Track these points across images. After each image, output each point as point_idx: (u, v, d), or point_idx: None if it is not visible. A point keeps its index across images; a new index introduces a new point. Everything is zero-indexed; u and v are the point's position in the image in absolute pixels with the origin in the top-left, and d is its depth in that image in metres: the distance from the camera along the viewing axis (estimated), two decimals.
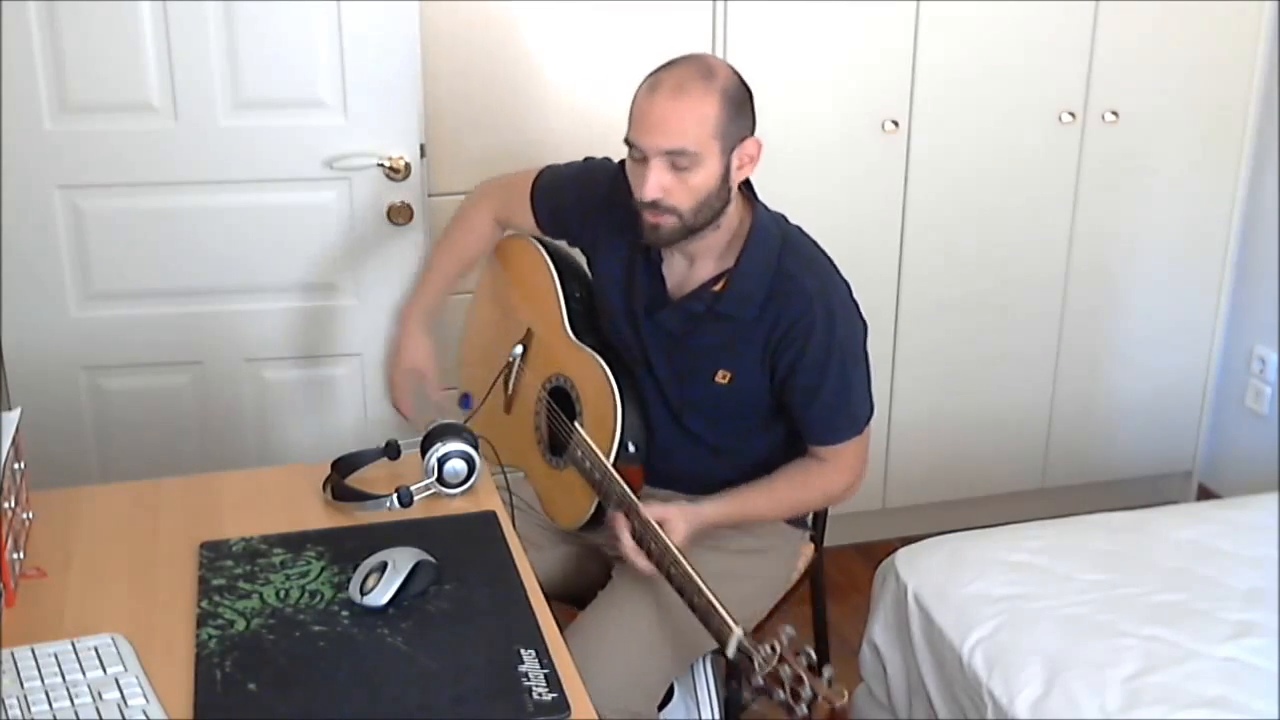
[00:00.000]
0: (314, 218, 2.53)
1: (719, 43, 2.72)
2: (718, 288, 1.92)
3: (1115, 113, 3.02)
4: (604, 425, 1.94)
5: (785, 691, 1.54)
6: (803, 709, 1.52)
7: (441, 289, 2.30)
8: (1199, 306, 3.28)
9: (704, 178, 1.80)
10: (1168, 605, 2.05)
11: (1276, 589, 2.09)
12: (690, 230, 1.85)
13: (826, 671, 1.52)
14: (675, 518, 1.84)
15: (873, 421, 2.00)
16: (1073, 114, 3.00)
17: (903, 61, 2.85)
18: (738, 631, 1.64)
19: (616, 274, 2.03)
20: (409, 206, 2.53)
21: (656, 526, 1.80)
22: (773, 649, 1.56)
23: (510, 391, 2.18)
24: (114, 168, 2.43)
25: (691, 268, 1.96)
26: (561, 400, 2.06)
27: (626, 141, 1.84)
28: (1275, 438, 3.21)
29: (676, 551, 1.77)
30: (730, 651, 1.65)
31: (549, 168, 2.19)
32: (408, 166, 2.50)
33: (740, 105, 1.83)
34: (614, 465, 1.90)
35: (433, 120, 2.59)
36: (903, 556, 2.23)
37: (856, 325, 1.95)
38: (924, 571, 2.16)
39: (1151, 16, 2.97)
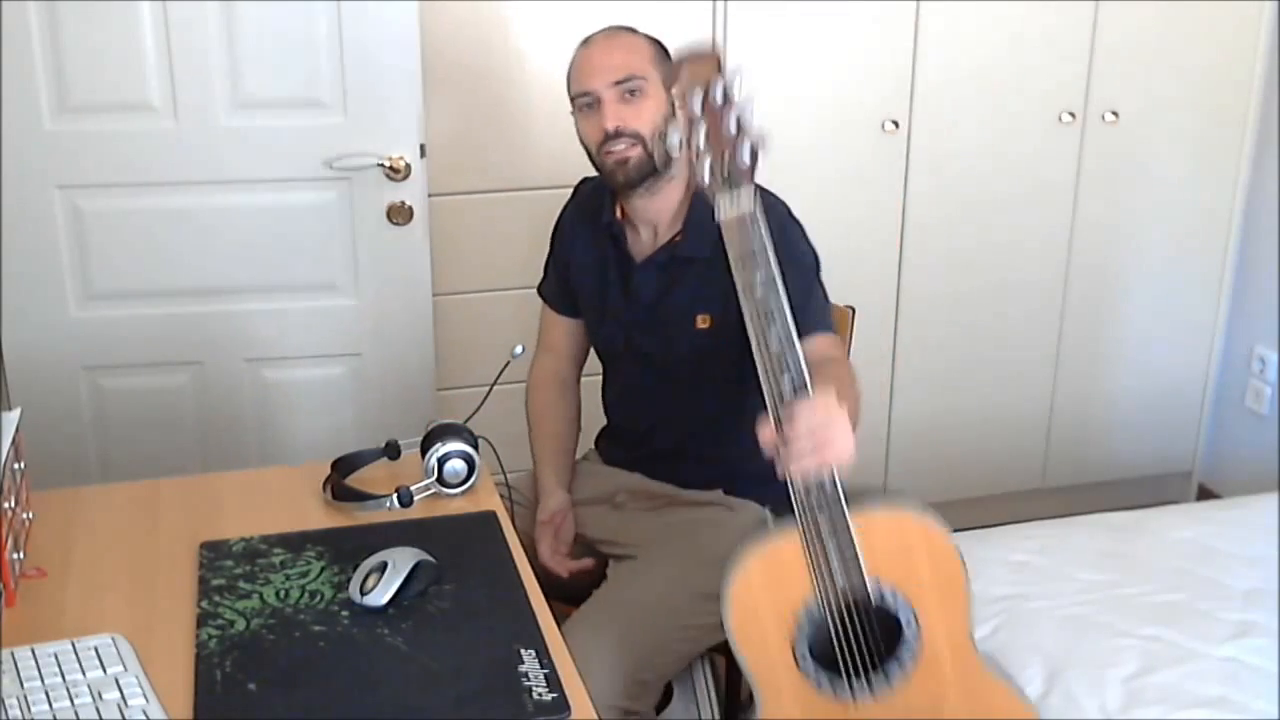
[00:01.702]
0: (314, 218, 2.53)
1: (718, 42, 2.72)
2: (677, 238, 1.97)
3: (1115, 113, 3.02)
4: None
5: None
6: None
7: (553, 467, 2.14)
8: (1199, 306, 3.28)
9: (654, 106, 1.90)
10: (1168, 605, 2.05)
11: (1276, 589, 2.09)
12: (653, 163, 1.91)
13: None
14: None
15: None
16: (1073, 114, 2.99)
17: (903, 61, 2.85)
18: None
19: (588, 262, 2.08)
20: (409, 206, 2.53)
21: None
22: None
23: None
24: (114, 168, 2.43)
25: (654, 236, 2.01)
26: None
27: (574, 99, 1.94)
28: (1275, 438, 3.21)
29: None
30: None
31: (540, 283, 2.22)
32: (408, 166, 2.50)
33: (664, 52, 1.94)
34: None
35: (433, 120, 2.59)
36: None
37: (811, 249, 1.96)
38: None
39: (1151, 16, 2.97)
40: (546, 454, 2.15)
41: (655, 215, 1.98)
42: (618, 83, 1.89)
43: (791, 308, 1.61)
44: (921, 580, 1.59)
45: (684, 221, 1.97)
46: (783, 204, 1.96)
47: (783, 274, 1.67)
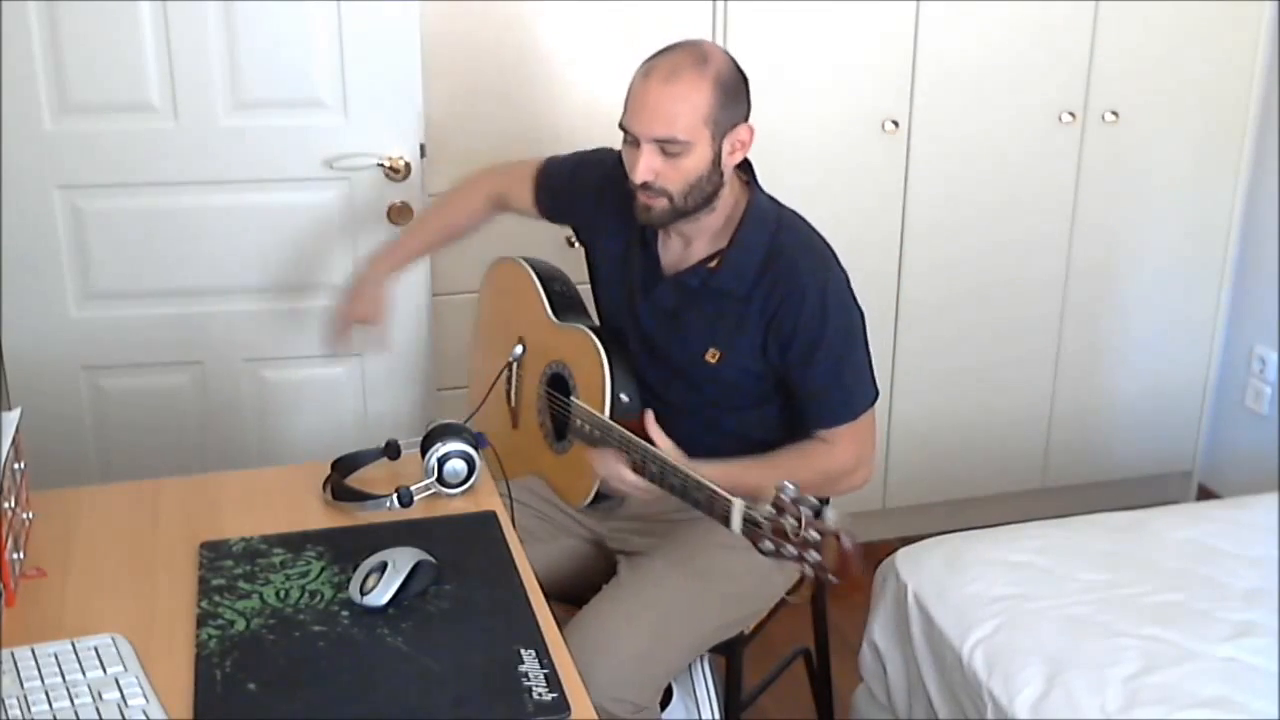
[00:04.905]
0: (314, 218, 2.53)
1: (719, 42, 2.72)
2: (713, 265, 1.95)
3: (1115, 113, 3.02)
4: (595, 383, 1.98)
5: (794, 542, 1.54)
6: (813, 555, 1.53)
7: (417, 251, 2.37)
8: (1199, 306, 3.28)
9: (694, 163, 1.84)
10: (1168, 605, 2.05)
11: (1276, 589, 2.09)
12: (680, 213, 1.89)
13: (828, 513, 1.53)
14: (668, 448, 1.84)
15: (876, 415, 2.00)
16: (1073, 114, 3.00)
17: (903, 61, 2.85)
18: (738, 503, 1.63)
19: (615, 253, 2.07)
20: (409, 206, 2.53)
21: (653, 449, 1.81)
22: (773, 507, 1.56)
23: (514, 405, 2.25)
24: (114, 168, 2.43)
25: (687, 248, 1.98)
26: (559, 385, 2.11)
27: (621, 126, 1.88)
28: (1275, 438, 3.21)
29: (673, 461, 1.77)
30: (736, 523, 1.63)
31: (551, 157, 2.22)
32: (408, 166, 2.50)
33: (733, 93, 1.85)
34: (612, 418, 1.93)
35: (433, 120, 2.59)
36: (903, 556, 2.23)
37: (851, 309, 1.95)
38: (924, 571, 2.16)
39: (1151, 16, 2.97)
40: (417, 242, 2.33)
41: (688, 234, 1.96)
42: (658, 139, 1.82)
43: (807, 393, 1.90)
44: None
45: (727, 248, 1.93)
46: (826, 264, 1.93)
47: (810, 353, 1.86)
